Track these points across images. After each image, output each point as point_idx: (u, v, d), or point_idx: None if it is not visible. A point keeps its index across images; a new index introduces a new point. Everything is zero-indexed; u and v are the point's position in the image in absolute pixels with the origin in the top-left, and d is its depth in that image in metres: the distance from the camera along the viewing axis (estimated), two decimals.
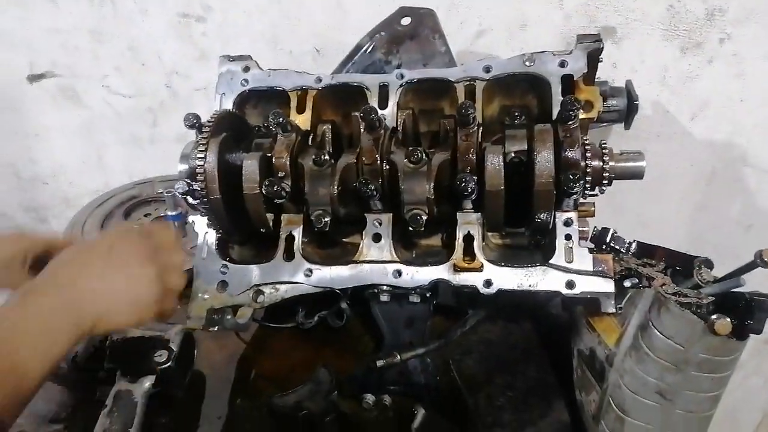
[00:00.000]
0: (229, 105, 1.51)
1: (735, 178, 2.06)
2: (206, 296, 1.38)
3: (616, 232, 1.34)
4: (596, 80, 1.43)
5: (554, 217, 1.25)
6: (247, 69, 1.52)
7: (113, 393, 1.35)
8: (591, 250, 1.25)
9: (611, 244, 1.32)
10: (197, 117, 1.36)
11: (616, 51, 1.90)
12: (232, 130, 1.38)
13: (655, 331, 1.11)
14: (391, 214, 1.34)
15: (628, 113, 1.58)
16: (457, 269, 1.28)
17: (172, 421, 1.42)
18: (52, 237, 1.30)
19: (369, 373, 1.43)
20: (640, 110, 1.53)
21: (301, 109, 1.49)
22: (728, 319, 1.03)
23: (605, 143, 1.28)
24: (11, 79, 2.57)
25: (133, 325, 1.09)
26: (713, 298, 1.10)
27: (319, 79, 1.49)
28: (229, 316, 1.42)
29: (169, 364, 1.36)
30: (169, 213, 1.93)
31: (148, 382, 1.36)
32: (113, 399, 1.34)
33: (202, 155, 1.29)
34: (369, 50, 1.61)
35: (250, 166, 1.30)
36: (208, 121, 1.34)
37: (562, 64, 1.36)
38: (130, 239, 1.09)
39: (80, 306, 0.96)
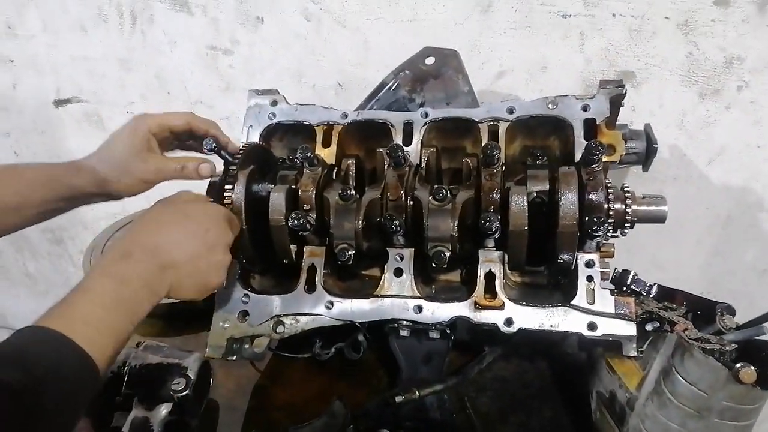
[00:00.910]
0: (256, 137, 1.54)
1: (750, 223, 2.06)
2: (227, 325, 1.39)
3: (636, 275, 1.35)
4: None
5: (576, 258, 1.26)
6: (274, 103, 1.56)
7: (130, 420, 1.35)
8: (612, 292, 1.25)
9: (632, 287, 1.32)
10: (216, 139, 1.37)
11: (635, 95, 1.93)
12: (258, 163, 1.41)
13: (678, 377, 1.11)
14: (413, 249, 1.35)
15: (646, 156, 1.59)
16: (478, 306, 1.29)
17: None
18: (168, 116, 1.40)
19: (385, 408, 1.42)
20: (658, 153, 1.55)
21: (326, 144, 1.52)
22: (753, 368, 1.02)
23: (627, 186, 1.29)
24: (38, 103, 2.64)
25: (197, 295, 1.16)
26: (736, 345, 1.09)
27: (345, 115, 1.52)
28: (246, 345, 1.43)
29: (186, 392, 1.37)
30: None
31: (165, 410, 1.37)
32: (130, 426, 1.34)
33: (230, 186, 1.31)
34: (393, 88, 1.65)
35: (278, 198, 1.32)
36: (237, 154, 1.37)
37: (585, 108, 1.39)
38: (205, 209, 1.21)
39: (163, 274, 1.07)
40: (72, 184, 1.35)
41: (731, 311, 1.19)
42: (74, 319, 0.93)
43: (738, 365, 1.03)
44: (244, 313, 1.39)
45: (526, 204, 1.22)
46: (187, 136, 1.43)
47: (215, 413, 1.56)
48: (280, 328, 1.36)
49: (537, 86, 2.02)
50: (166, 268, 1.08)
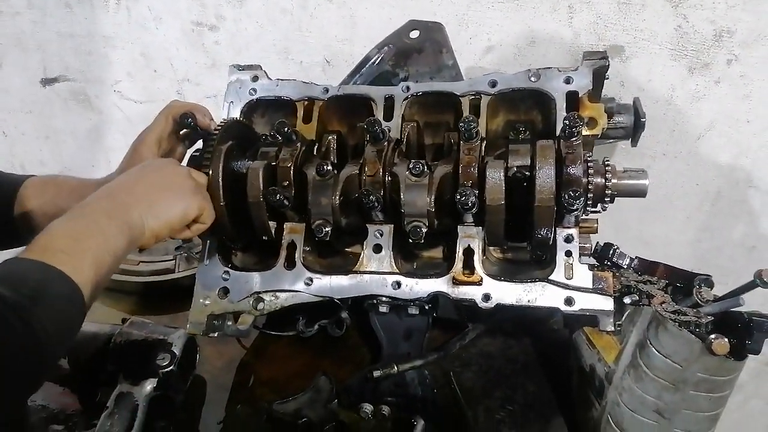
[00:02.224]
0: (236, 113, 1.53)
1: (740, 199, 2.05)
2: (207, 302, 1.39)
3: (618, 248, 1.34)
4: (603, 97, 1.44)
5: (555, 233, 1.25)
6: (255, 78, 1.54)
7: (115, 395, 1.36)
8: (591, 267, 1.25)
9: (613, 260, 1.32)
10: (193, 116, 1.38)
11: (624, 69, 1.91)
12: (239, 139, 1.40)
13: (653, 349, 1.11)
14: (392, 225, 1.35)
15: (635, 130, 1.58)
16: (456, 282, 1.28)
17: (172, 425, 1.43)
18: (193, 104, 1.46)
19: (365, 383, 1.43)
20: (646, 129, 1.53)
21: (307, 119, 1.50)
22: (726, 339, 1.03)
23: (608, 160, 1.28)
24: (25, 82, 2.62)
25: (168, 232, 1.19)
26: (712, 318, 1.09)
27: (326, 90, 1.50)
28: (230, 323, 1.43)
29: (171, 367, 1.38)
30: None
31: (150, 385, 1.38)
32: (115, 401, 1.35)
33: (208, 162, 1.30)
34: (377, 62, 1.63)
35: (255, 174, 1.31)
36: (215, 129, 1.35)
37: (568, 81, 1.37)
38: (177, 169, 1.25)
39: (129, 208, 1.10)
40: None
41: (709, 284, 1.19)
42: (53, 248, 0.96)
43: (711, 337, 1.03)
44: (225, 290, 1.39)
45: (503, 178, 1.21)
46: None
47: (202, 389, 1.57)
48: (260, 305, 1.36)
49: (525, 61, 1.99)
50: (131, 202, 1.12)
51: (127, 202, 1.11)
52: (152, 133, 1.40)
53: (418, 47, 1.62)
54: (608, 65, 1.37)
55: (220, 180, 1.30)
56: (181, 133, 1.44)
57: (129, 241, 1.08)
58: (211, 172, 1.30)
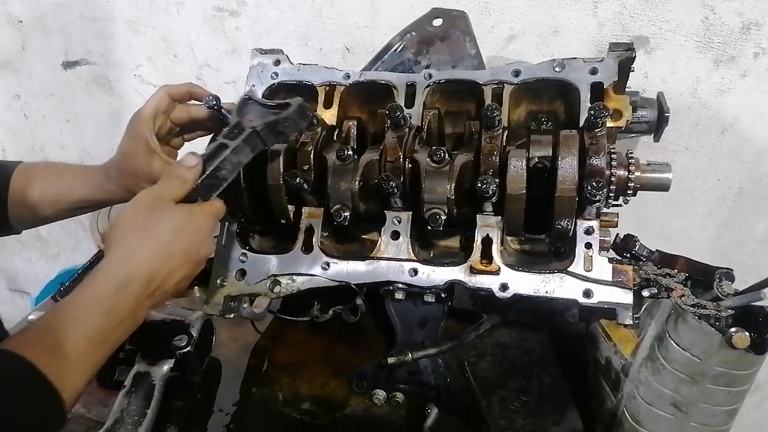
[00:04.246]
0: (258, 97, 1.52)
1: (763, 195, 2.02)
2: (224, 283, 1.40)
3: (638, 240, 1.33)
4: (627, 90, 1.42)
5: (575, 225, 1.24)
6: (277, 62, 1.54)
7: (132, 374, 1.38)
8: (611, 260, 1.23)
9: (633, 251, 1.30)
10: (217, 99, 1.34)
11: (648, 61, 1.88)
12: None
13: (672, 342, 1.10)
14: (410, 212, 1.34)
15: (658, 125, 1.56)
16: (473, 271, 1.28)
17: (188, 405, 1.44)
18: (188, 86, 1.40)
19: (379, 370, 1.44)
20: (670, 122, 1.51)
21: (328, 105, 1.50)
22: (747, 333, 1.01)
23: (632, 153, 1.27)
24: (46, 65, 2.64)
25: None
26: (732, 312, 1.08)
27: (348, 76, 1.50)
28: (245, 305, 1.45)
29: (188, 348, 1.39)
30: None
31: (166, 366, 1.40)
32: (132, 380, 1.37)
33: None
34: (399, 50, 1.62)
35: (275, 157, 1.31)
36: None
37: (593, 72, 1.35)
38: (197, 225, 1.10)
39: (150, 300, 1.04)
40: (108, 190, 1.38)
41: (730, 277, 1.17)
42: (53, 350, 0.90)
43: (731, 330, 1.02)
44: (242, 272, 1.40)
45: (525, 167, 1.21)
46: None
47: (218, 371, 1.58)
48: (276, 288, 1.37)
49: (548, 51, 1.97)
50: (155, 295, 1.05)
51: (153, 296, 1.04)
52: (148, 107, 1.33)
53: (441, 35, 1.61)
54: (634, 57, 1.35)
55: None
56: (207, 116, 1.39)
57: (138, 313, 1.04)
58: None
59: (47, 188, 1.38)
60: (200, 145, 1.38)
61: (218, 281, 1.40)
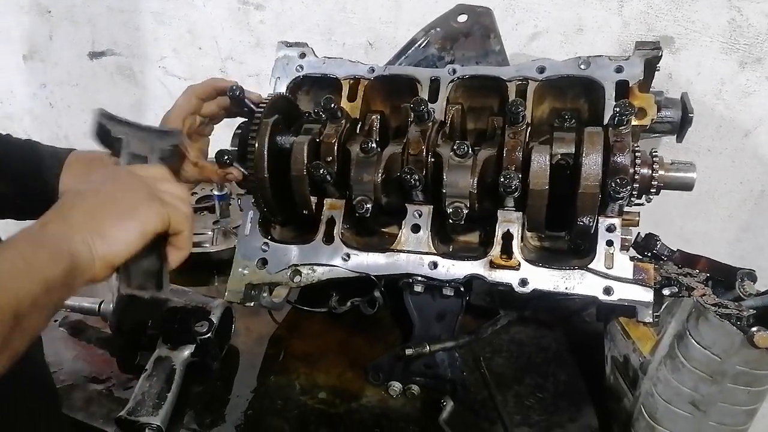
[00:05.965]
0: (282, 89, 1.55)
1: None
2: (246, 271, 1.42)
3: (660, 240, 1.33)
4: (651, 89, 1.42)
5: (597, 222, 1.25)
6: (303, 55, 1.56)
7: (154, 358, 1.40)
8: (632, 258, 1.23)
9: (654, 251, 1.30)
10: (240, 88, 1.36)
11: (673, 61, 1.87)
12: (283, 114, 1.42)
13: (692, 340, 1.09)
14: (431, 206, 1.35)
15: (681, 125, 1.55)
16: (493, 266, 1.28)
17: (207, 391, 1.46)
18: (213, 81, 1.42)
19: (396, 362, 1.45)
20: (693, 123, 1.50)
21: (351, 98, 1.51)
22: None
23: (656, 151, 1.26)
24: (73, 55, 2.69)
25: (133, 241, 0.94)
26: (754, 311, 1.08)
27: (372, 70, 1.51)
28: (265, 294, 1.46)
29: (209, 335, 1.41)
30: (216, 193, 1.99)
31: (187, 351, 1.42)
32: (153, 364, 1.39)
33: (254, 134, 1.33)
34: (423, 45, 1.63)
35: (300, 148, 1.33)
36: (262, 103, 1.37)
37: (618, 70, 1.35)
38: (127, 175, 1.01)
39: (66, 234, 0.88)
40: None
41: (752, 277, 1.17)
42: None
43: (753, 329, 1.01)
44: (264, 261, 1.42)
45: (548, 163, 1.21)
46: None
47: (236, 359, 1.60)
48: (297, 278, 1.39)
49: (572, 49, 1.96)
50: (67, 229, 0.89)
51: (62, 230, 0.88)
52: (179, 109, 1.35)
53: (466, 32, 1.62)
54: (661, 56, 1.34)
55: (265, 152, 1.32)
56: (230, 105, 1.42)
57: (68, 270, 0.85)
58: (256, 144, 1.32)
59: None
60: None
61: (240, 269, 1.42)
